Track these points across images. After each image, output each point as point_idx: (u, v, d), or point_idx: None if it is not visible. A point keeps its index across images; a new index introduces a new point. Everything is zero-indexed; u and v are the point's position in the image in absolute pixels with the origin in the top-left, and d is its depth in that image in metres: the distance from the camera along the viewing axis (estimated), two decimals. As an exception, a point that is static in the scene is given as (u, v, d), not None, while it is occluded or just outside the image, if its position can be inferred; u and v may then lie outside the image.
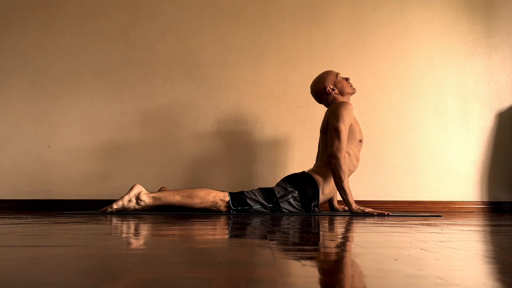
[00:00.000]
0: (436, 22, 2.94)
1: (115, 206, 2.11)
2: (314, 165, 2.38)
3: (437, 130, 2.86)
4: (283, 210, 2.19)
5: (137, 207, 2.10)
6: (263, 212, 2.17)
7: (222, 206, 2.16)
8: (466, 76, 2.90)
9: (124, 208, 2.10)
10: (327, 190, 2.26)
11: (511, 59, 2.90)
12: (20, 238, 1.01)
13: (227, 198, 2.16)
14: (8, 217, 1.83)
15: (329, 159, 2.14)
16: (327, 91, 2.32)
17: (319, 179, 2.24)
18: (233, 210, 2.15)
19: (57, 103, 2.89)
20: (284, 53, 2.91)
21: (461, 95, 2.89)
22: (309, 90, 2.88)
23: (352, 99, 2.89)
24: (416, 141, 2.85)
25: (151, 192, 2.14)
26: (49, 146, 2.87)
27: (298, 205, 2.21)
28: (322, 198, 2.27)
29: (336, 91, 2.32)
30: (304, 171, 2.31)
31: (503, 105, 2.88)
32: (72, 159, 2.86)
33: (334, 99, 2.32)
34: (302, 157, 2.82)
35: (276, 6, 2.94)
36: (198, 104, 2.88)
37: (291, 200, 2.19)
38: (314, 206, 2.28)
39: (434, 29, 2.93)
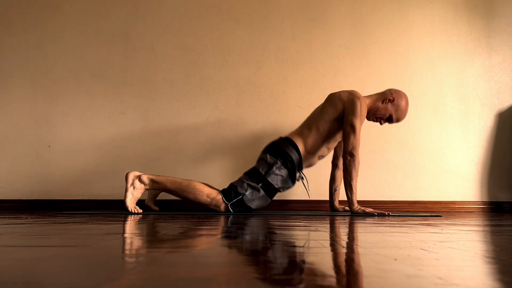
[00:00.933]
0: (436, 22, 2.94)
1: (129, 204, 2.13)
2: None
3: (437, 130, 2.86)
4: (274, 184, 2.17)
5: (144, 187, 2.15)
6: (261, 199, 2.16)
7: (219, 203, 2.17)
8: (466, 76, 2.90)
9: (136, 198, 2.15)
10: (309, 146, 2.23)
11: (511, 59, 2.90)
12: (20, 238, 1.01)
13: (219, 196, 2.16)
14: (8, 217, 1.83)
15: (344, 155, 2.13)
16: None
17: (297, 138, 2.23)
18: (231, 206, 2.15)
19: (57, 103, 2.89)
20: (284, 53, 2.91)
21: (461, 95, 2.89)
22: (309, 90, 2.89)
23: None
24: (416, 141, 2.85)
25: (149, 174, 2.19)
26: (49, 146, 2.87)
27: (285, 174, 2.19)
28: (307, 156, 2.24)
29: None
30: (281, 136, 2.30)
31: (503, 105, 2.88)
32: (72, 159, 2.86)
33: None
34: (302, 157, 2.82)
35: (276, 6, 2.94)
36: (198, 104, 2.88)
37: (277, 171, 2.18)
38: (300, 171, 2.25)
39: (434, 29, 2.93)
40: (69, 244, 0.89)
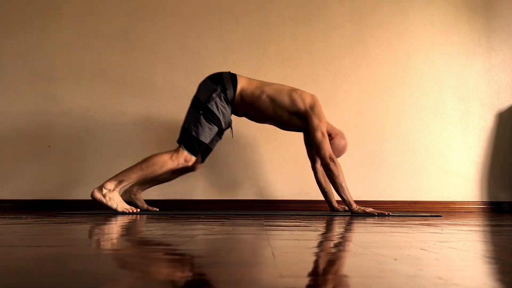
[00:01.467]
0: (436, 22, 2.94)
1: (120, 209, 2.12)
2: None
3: (437, 130, 2.86)
4: (215, 112, 2.12)
5: (114, 190, 2.12)
6: (205, 129, 2.12)
7: (183, 156, 2.13)
8: (466, 76, 2.90)
9: (120, 201, 2.14)
10: (246, 96, 2.17)
11: (511, 59, 2.90)
12: (20, 238, 1.01)
13: (180, 149, 2.13)
14: (8, 217, 1.83)
15: (324, 162, 2.12)
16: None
17: (243, 81, 2.19)
18: (185, 147, 2.12)
19: (57, 103, 2.89)
20: (284, 53, 2.91)
21: (461, 95, 2.89)
22: (309, 90, 2.87)
23: (352, 99, 2.89)
24: (416, 141, 2.85)
25: (109, 180, 2.14)
26: (49, 146, 2.87)
27: (225, 102, 2.14)
28: (238, 103, 2.18)
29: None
30: (230, 71, 2.27)
31: (503, 105, 2.88)
32: (72, 159, 2.86)
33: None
34: (302, 157, 2.81)
35: (276, 6, 2.94)
36: (198, 104, 2.88)
37: (217, 99, 2.13)
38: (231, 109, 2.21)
39: (434, 29, 2.93)
40: (69, 244, 0.89)
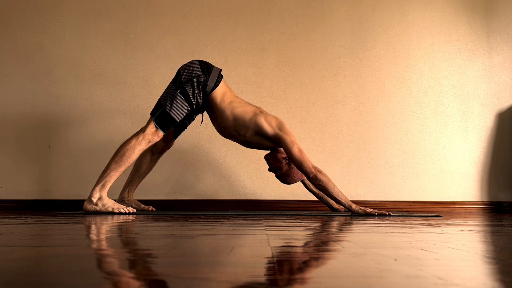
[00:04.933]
0: (436, 22, 2.94)
1: (116, 210, 2.12)
2: None
3: (437, 130, 2.86)
4: (189, 95, 2.12)
5: (103, 197, 2.12)
6: (178, 105, 2.13)
7: (153, 132, 2.13)
8: (466, 76, 2.90)
9: (113, 203, 2.13)
10: (217, 99, 2.18)
11: (511, 59, 2.90)
12: (20, 238, 1.01)
13: (150, 123, 2.13)
14: (8, 217, 1.83)
15: (311, 176, 2.09)
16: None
17: (224, 83, 2.22)
18: (156, 121, 2.12)
19: (57, 103, 2.89)
20: (284, 53, 2.91)
21: (461, 95, 2.89)
22: (309, 90, 2.89)
23: (353, 99, 2.89)
24: (416, 141, 2.85)
25: (93, 189, 2.14)
26: (49, 146, 2.87)
27: (201, 92, 2.15)
28: (216, 105, 2.19)
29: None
30: (220, 70, 2.28)
31: (503, 105, 2.88)
32: (72, 159, 2.86)
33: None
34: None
35: (276, 6, 2.94)
36: (198, 104, 2.88)
37: (196, 85, 2.13)
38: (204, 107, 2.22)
39: (434, 29, 2.93)
40: (69, 244, 0.89)
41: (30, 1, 2.96)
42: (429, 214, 2.17)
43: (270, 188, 2.81)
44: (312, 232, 1.18)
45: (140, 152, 2.16)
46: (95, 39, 2.93)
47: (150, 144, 2.16)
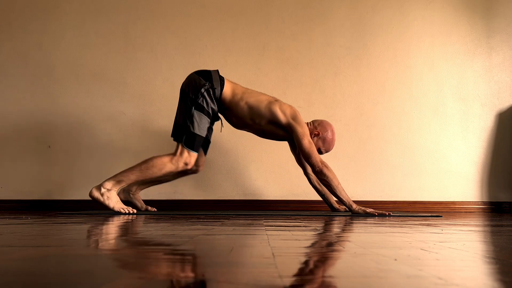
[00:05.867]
0: (436, 22, 2.94)
1: (117, 208, 2.12)
2: None
3: (437, 130, 2.86)
4: (205, 106, 2.12)
5: (112, 190, 2.13)
6: (200, 121, 2.13)
7: (182, 157, 2.13)
8: (466, 76, 2.90)
9: (117, 201, 2.14)
10: (233, 99, 2.19)
11: (511, 59, 2.90)
12: (20, 238, 1.01)
13: (180, 148, 2.13)
14: (8, 217, 1.83)
15: (316, 169, 2.11)
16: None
17: (229, 85, 2.20)
18: (185, 145, 2.12)
19: (57, 103, 2.89)
20: (284, 53, 2.91)
21: (461, 95, 2.89)
22: (309, 90, 2.89)
23: (353, 99, 2.89)
24: (416, 141, 2.85)
25: (108, 179, 2.15)
26: (49, 146, 2.87)
27: (213, 99, 2.15)
28: (225, 103, 2.19)
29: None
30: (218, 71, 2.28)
31: (503, 105, 2.88)
32: (72, 159, 2.86)
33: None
34: (302, 157, 2.82)
35: (276, 6, 2.94)
36: (198, 104, 2.88)
37: (205, 94, 2.13)
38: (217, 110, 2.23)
39: (434, 29, 2.93)
40: (69, 244, 0.89)
41: (30, 1, 2.96)
42: (429, 214, 2.17)
43: (270, 188, 2.82)
44: (312, 232, 1.18)
45: (166, 173, 2.16)
46: (95, 39, 2.93)
47: (184, 168, 2.15)
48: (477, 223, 1.61)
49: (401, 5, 2.94)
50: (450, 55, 2.91)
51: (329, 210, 2.53)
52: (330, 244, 0.91)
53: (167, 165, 2.13)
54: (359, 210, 2.09)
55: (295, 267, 0.63)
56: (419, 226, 1.41)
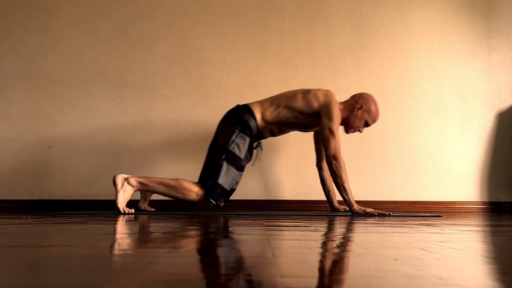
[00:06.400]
0: (436, 22, 2.94)
1: (121, 206, 2.13)
2: None
3: (437, 130, 2.86)
4: (237, 154, 2.14)
5: (133, 189, 2.16)
6: (228, 174, 2.14)
7: (204, 202, 2.17)
8: (466, 76, 2.90)
9: (126, 200, 2.15)
10: (266, 117, 2.22)
11: (511, 59, 2.90)
12: (20, 238, 1.01)
13: (201, 192, 2.15)
14: (8, 217, 1.83)
15: (328, 160, 2.15)
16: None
17: (256, 106, 2.23)
18: (208, 193, 2.14)
19: (57, 103, 2.89)
20: (284, 53, 2.91)
21: (461, 95, 2.89)
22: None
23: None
24: (416, 141, 2.85)
25: (136, 177, 2.18)
26: (49, 146, 2.87)
27: (246, 139, 2.17)
28: (261, 125, 2.23)
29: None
30: (238, 104, 2.31)
31: (503, 105, 2.88)
32: (72, 159, 2.86)
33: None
34: (303, 157, 2.82)
35: (276, 6, 2.94)
36: (198, 104, 2.88)
37: (237, 140, 2.15)
38: (258, 139, 2.26)
39: (434, 29, 2.93)
40: (69, 244, 0.89)
41: (30, 1, 2.96)
42: (429, 214, 2.17)
43: (270, 188, 2.82)
44: (312, 232, 1.18)
45: (188, 200, 2.17)
46: (95, 39, 2.93)
47: (199, 201, 2.18)
48: (477, 223, 1.61)
49: (401, 5, 2.94)
50: (450, 55, 2.91)
51: (329, 210, 2.53)
52: (330, 244, 0.91)
53: (191, 195, 2.15)
54: (359, 210, 2.09)
55: (295, 267, 0.63)
56: (419, 226, 1.41)
